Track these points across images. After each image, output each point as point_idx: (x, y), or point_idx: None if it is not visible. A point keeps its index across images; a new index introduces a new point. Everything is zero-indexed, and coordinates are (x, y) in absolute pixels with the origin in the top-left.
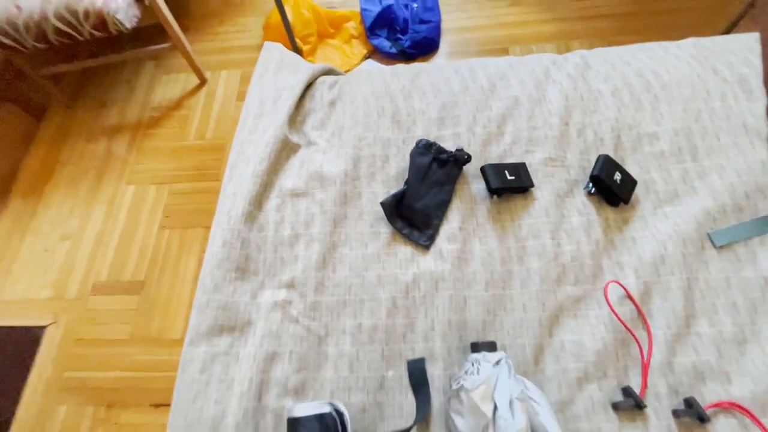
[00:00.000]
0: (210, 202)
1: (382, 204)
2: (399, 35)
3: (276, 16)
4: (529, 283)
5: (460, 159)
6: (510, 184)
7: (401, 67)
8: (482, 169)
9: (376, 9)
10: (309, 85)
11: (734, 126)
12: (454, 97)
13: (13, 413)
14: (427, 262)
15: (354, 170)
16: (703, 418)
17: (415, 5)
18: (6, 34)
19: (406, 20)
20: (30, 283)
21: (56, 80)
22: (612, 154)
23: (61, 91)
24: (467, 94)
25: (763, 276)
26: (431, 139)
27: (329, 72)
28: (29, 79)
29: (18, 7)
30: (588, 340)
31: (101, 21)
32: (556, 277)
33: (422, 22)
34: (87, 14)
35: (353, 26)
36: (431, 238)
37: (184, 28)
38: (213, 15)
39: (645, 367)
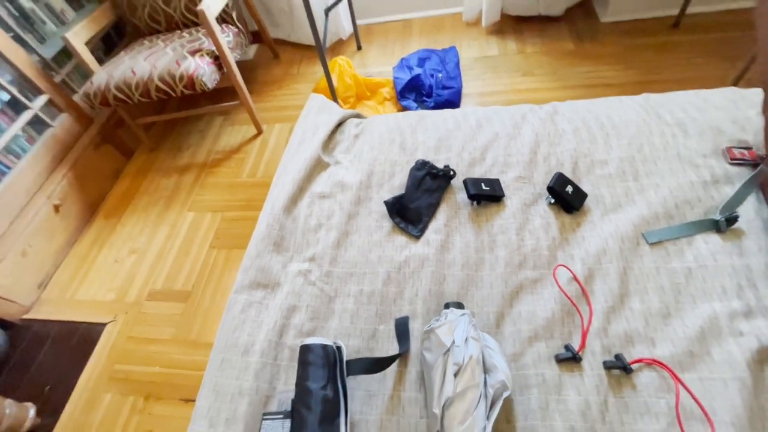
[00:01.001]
0: (253, 228)
1: (386, 203)
2: (425, 98)
3: (324, 82)
4: (496, 267)
5: (446, 173)
6: (485, 192)
7: (411, 113)
8: (464, 181)
9: (406, 77)
10: (340, 123)
11: (670, 155)
12: (449, 132)
13: (68, 395)
14: (417, 248)
15: (367, 180)
16: (628, 369)
17: (440, 75)
18: (121, 91)
19: (431, 86)
20: (99, 287)
21: (146, 128)
22: (570, 176)
23: (148, 137)
24: (459, 130)
25: (687, 266)
26: (427, 160)
27: (357, 116)
28: (126, 126)
29: (133, 72)
30: (540, 310)
31: (191, 82)
32: (518, 263)
33: (445, 87)
34: (182, 77)
35: (387, 91)
36: (422, 230)
37: (250, 91)
38: (274, 82)
39: (584, 332)
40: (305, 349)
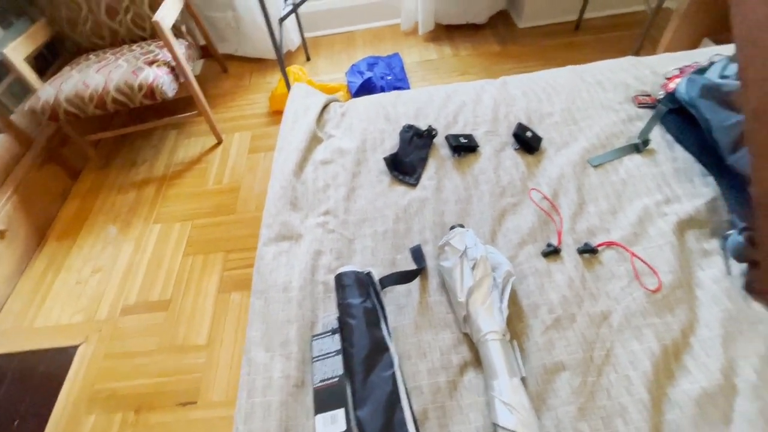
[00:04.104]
0: (227, 231)
1: (384, 159)
2: None
3: (280, 89)
4: (483, 199)
5: (430, 132)
6: (464, 144)
7: (387, 93)
8: (446, 137)
9: (358, 81)
10: (325, 106)
11: (596, 104)
12: (424, 103)
13: (44, 425)
14: (416, 192)
15: (362, 146)
16: (595, 251)
17: (390, 77)
18: (73, 104)
19: (383, 87)
20: (62, 311)
21: (94, 145)
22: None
23: (97, 154)
24: (432, 102)
25: (621, 178)
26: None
27: (337, 100)
28: (70, 145)
29: (85, 84)
30: (523, 223)
31: (150, 91)
32: (499, 193)
33: (396, 88)
34: (141, 87)
35: (341, 94)
36: (417, 179)
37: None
38: (226, 94)
39: (559, 232)
40: (340, 276)
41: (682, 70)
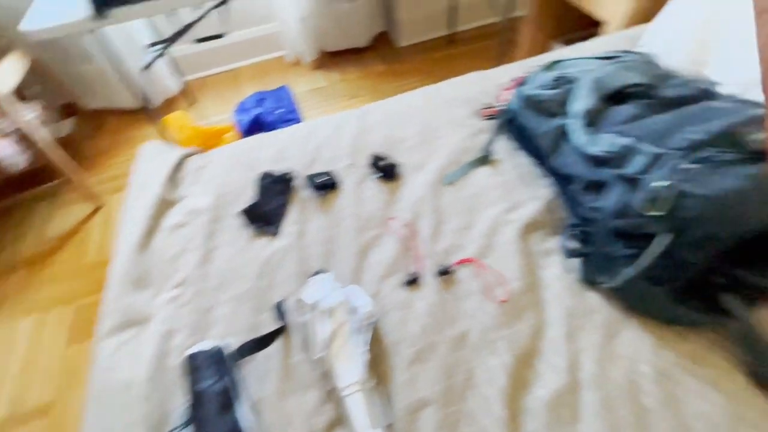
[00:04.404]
0: None
1: (242, 212)
2: None
3: (165, 136)
4: (346, 236)
5: (287, 176)
6: (324, 182)
7: (250, 138)
8: (306, 178)
9: (247, 118)
10: (182, 162)
11: (447, 122)
12: (285, 145)
13: None
14: (279, 242)
15: (220, 201)
16: (451, 271)
17: (280, 110)
18: None
19: (273, 122)
20: None
21: None
22: (385, 154)
23: None
24: (293, 141)
25: (473, 192)
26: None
27: (199, 152)
28: None
29: None
30: (385, 255)
31: None
32: (362, 227)
33: (287, 120)
34: None
35: (231, 135)
36: (278, 227)
37: (79, 166)
38: (104, 152)
39: (420, 258)
40: (189, 359)
41: (514, 81)
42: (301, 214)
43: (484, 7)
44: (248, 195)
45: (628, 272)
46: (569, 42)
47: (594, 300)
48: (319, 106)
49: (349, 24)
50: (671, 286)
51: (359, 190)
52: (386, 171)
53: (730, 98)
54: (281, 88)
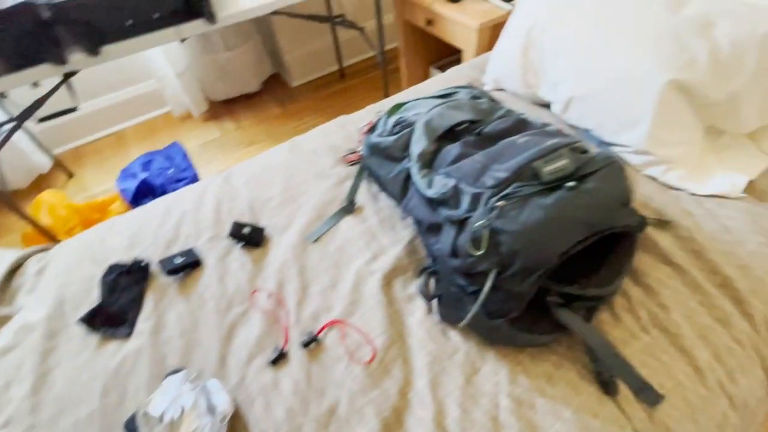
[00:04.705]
0: None
1: (81, 320)
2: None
3: (31, 227)
4: (210, 320)
5: (141, 264)
6: (181, 264)
7: (99, 225)
8: (159, 262)
9: (132, 185)
10: (17, 267)
11: (311, 175)
12: (140, 228)
13: None
14: (130, 344)
15: (59, 309)
16: (317, 339)
17: (171, 170)
18: None
19: (163, 185)
20: None
21: None
22: (250, 218)
23: None
24: (149, 222)
25: (338, 245)
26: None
27: (42, 250)
28: None
29: None
30: (251, 334)
31: None
32: (226, 306)
33: (179, 180)
34: None
35: (117, 205)
36: (131, 326)
37: None
38: None
39: (285, 329)
40: None
41: (370, 124)
42: (158, 305)
43: (363, 41)
44: (96, 294)
45: (473, 309)
46: (444, 67)
47: (456, 339)
48: (215, 159)
49: (235, 71)
50: (510, 317)
51: (223, 265)
52: (250, 238)
53: (537, 128)
54: (171, 146)
